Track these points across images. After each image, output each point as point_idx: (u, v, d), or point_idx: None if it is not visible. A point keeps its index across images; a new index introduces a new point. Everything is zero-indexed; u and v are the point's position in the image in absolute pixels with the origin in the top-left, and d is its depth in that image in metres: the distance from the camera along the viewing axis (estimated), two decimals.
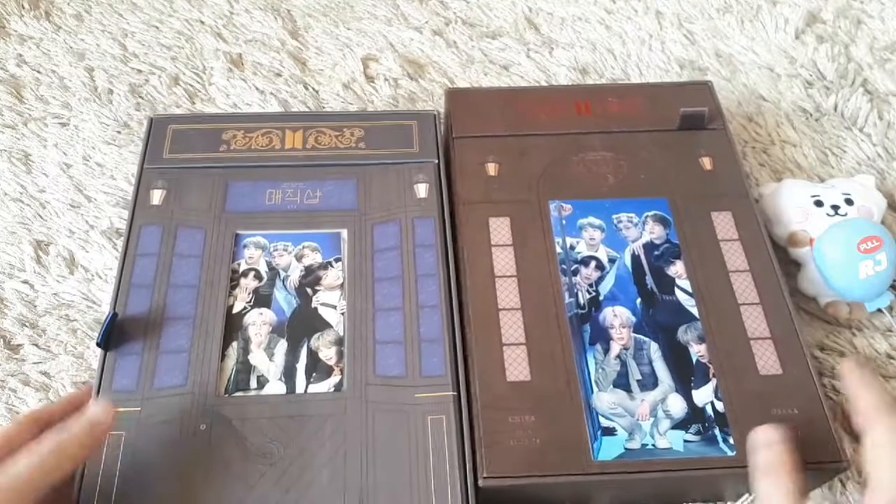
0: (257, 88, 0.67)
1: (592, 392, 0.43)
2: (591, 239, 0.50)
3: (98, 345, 0.43)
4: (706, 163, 0.54)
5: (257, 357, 0.45)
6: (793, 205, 0.54)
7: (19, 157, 0.61)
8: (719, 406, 0.43)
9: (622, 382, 0.44)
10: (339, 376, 0.44)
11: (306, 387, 0.44)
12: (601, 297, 0.47)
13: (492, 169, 0.53)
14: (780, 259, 0.50)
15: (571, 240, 0.49)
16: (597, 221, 0.50)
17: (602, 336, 0.46)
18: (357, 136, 0.55)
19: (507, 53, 0.71)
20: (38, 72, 0.67)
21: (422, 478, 0.40)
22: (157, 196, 0.51)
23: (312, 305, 0.47)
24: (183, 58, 0.69)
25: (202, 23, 0.72)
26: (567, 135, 0.55)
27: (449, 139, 0.55)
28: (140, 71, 0.68)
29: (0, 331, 0.52)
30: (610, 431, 0.42)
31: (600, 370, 0.44)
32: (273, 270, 0.48)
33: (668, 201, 0.51)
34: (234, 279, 0.48)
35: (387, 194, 0.52)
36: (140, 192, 0.51)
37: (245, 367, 0.44)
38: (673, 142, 0.55)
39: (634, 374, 0.44)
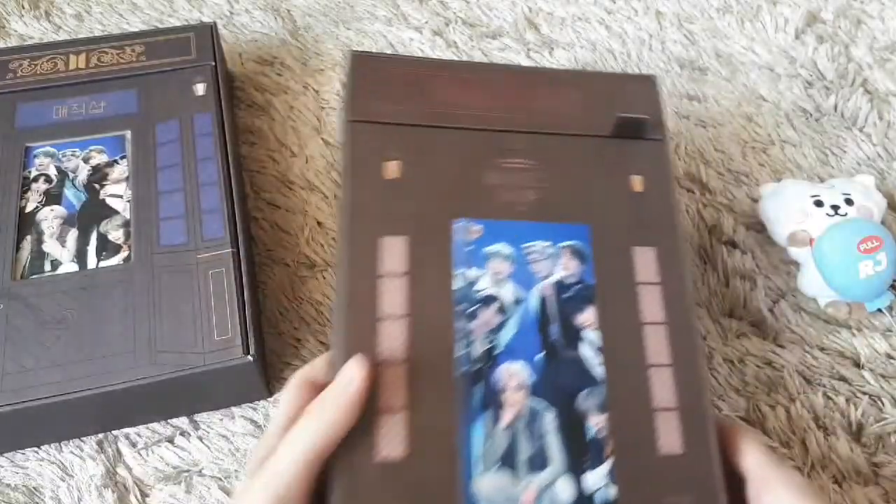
0: None
1: (474, 475, 0.36)
2: (496, 273, 0.40)
3: None
4: (636, 183, 0.45)
5: (50, 245, 0.50)
6: (792, 205, 0.54)
7: None
8: (612, 492, 0.36)
9: (509, 461, 0.36)
10: (128, 252, 0.50)
11: (97, 263, 0.49)
12: (498, 351, 0.39)
13: (393, 169, 0.42)
14: (768, 265, 0.49)
15: (474, 272, 0.40)
16: (506, 250, 0.41)
17: (494, 400, 0.37)
18: (138, 51, 0.60)
19: (507, 53, 0.71)
20: None
21: (205, 319, 0.47)
22: None
23: (100, 197, 0.53)
24: None
25: (202, 23, 0.72)
26: (487, 131, 0.44)
27: (345, 119, 0.43)
28: None
29: None
30: None
31: (488, 443, 0.36)
32: (62, 173, 0.54)
33: (590, 228, 0.43)
34: (26, 185, 0.53)
35: (167, 97, 0.57)
36: None
37: (39, 255, 0.50)
38: (604, 152, 0.45)
39: (524, 451, 0.37)
